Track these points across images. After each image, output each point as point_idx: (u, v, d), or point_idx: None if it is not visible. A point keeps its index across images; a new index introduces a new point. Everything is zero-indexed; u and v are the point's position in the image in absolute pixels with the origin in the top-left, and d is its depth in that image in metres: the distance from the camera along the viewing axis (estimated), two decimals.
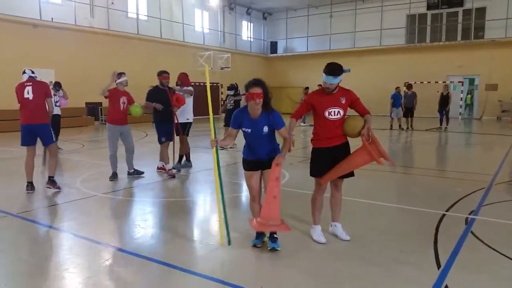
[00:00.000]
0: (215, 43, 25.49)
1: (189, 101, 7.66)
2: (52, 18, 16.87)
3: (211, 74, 23.67)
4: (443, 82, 19.67)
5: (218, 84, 24.76)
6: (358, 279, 3.23)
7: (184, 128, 7.67)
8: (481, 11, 22.58)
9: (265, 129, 3.56)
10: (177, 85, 7.65)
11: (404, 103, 16.12)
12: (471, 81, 23.71)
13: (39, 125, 5.89)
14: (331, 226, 4.18)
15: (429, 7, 24.10)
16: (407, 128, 15.93)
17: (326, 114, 3.83)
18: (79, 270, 3.46)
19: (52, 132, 6.09)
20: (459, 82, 21.92)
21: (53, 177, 6.14)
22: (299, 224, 4.49)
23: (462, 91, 21.78)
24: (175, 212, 5.34)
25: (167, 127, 7.24)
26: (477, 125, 19.34)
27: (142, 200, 5.92)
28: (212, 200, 5.93)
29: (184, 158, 7.94)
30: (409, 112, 16.08)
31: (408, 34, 24.81)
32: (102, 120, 18.60)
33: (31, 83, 5.96)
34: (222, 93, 24.85)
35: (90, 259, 3.70)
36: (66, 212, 5.18)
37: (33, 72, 6.14)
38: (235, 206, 5.57)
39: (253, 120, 3.58)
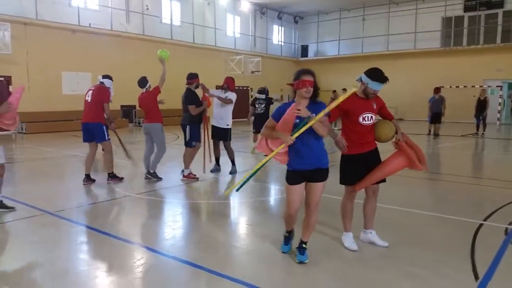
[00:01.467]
0: (246, 47, 25.64)
1: (230, 107, 7.57)
2: (89, 24, 17.47)
3: (242, 78, 23.85)
4: (480, 86, 18.97)
5: (249, 88, 24.88)
6: None
7: (226, 134, 7.59)
8: None
9: (313, 116, 3.30)
10: (222, 88, 7.60)
11: (431, 108, 15.01)
12: (510, 86, 22.76)
13: (92, 124, 6.64)
14: (364, 233, 4.09)
15: (466, 9, 23.34)
16: (434, 134, 14.94)
17: (361, 119, 3.77)
18: (110, 269, 3.54)
19: (105, 131, 6.73)
20: (497, 86, 21.09)
21: (112, 173, 6.88)
22: (327, 229, 4.42)
23: (500, 95, 20.93)
24: (205, 214, 5.38)
25: (199, 129, 7.18)
26: None
27: (173, 201, 6.00)
28: (241, 203, 5.94)
29: (214, 161, 7.83)
30: (436, 118, 14.95)
31: (443, 37, 24.12)
32: (135, 122, 19.08)
33: (93, 88, 6.83)
34: (251, 96, 24.96)
35: (122, 258, 3.77)
36: (100, 212, 5.32)
37: (104, 78, 6.96)
38: (265, 210, 5.56)
39: None
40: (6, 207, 5.09)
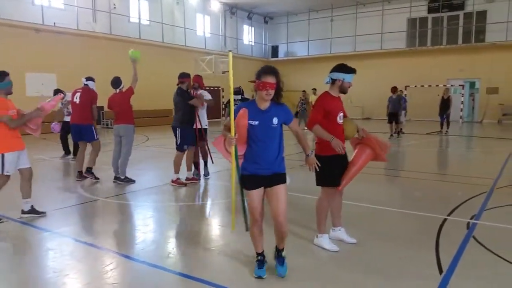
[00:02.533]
0: (217, 47, 25.56)
1: (205, 108, 7.33)
2: (54, 23, 16.95)
3: (212, 78, 23.74)
4: (444, 85, 19.66)
5: (220, 88, 24.79)
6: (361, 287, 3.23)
7: (205, 135, 7.32)
8: (482, 15, 22.60)
9: (275, 120, 3.13)
10: (192, 88, 7.15)
11: (388, 107, 14.68)
12: (472, 85, 23.71)
13: (83, 125, 7.10)
14: (333, 231, 4.16)
15: (430, 11, 24.14)
16: (395, 133, 14.67)
17: (338, 119, 3.84)
18: (79, 275, 3.47)
19: (94, 131, 7.15)
20: (459, 85, 21.91)
21: (91, 168, 7.12)
22: (303, 230, 4.48)
23: (462, 94, 21.78)
24: (177, 216, 5.34)
25: (192, 132, 6.90)
26: (478, 128, 19.31)
27: (143, 204, 5.92)
28: (213, 204, 5.93)
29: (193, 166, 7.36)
30: (392, 118, 14.59)
31: (409, 38, 24.84)
32: (103, 123, 18.66)
33: (81, 90, 7.18)
34: (223, 96, 24.89)
35: (90, 264, 3.70)
36: (67, 217, 5.19)
37: (87, 80, 7.31)
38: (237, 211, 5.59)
39: (261, 111, 3.16)
40: (38, 212, 5.01)
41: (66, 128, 9.20)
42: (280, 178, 3.22)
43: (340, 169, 3.87)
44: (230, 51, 3.33)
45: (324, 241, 3.97)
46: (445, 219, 4.82)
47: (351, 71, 3.84)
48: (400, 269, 3.50)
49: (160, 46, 21.45)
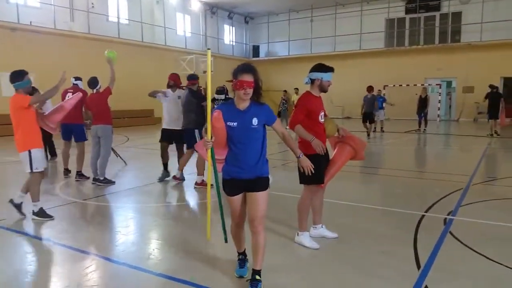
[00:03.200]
0: (197, 46, 25.43)
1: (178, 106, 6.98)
2: (30, 22, 16.57)
3: None
4: (422, 84, 20.05)
5: (201, 88, 24.65)
6: (341, 283, 3.27)
7: (183, 136, 6.89)
8: (457, 16, 23.14)
9: (255, 121, 2.96)
10: (168, 86, 7.00)
11: (363, 107, 14.65)
12: (449, 84, 24.25)
13: (74, 125, 7.23)
14: (314, 229, 4.21)
15: (407, 11, 24.59)
16: (368, 134, 14.51)
17: (320, 118, 3.89)
18: (58, 278, 3.41)
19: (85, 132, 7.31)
20: (437, 84, 22.38)
21: (80, 171, 7.17)
22: (284, 228, 4.51)
23: (439, 93, 22.26)
24: (158, 217, 5.29)
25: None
26: (455, 126, 19.77)
27: (123, 206, 5.85)
28: (196, 204, 5.91)
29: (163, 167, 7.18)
30: (367, 118, 14.52)
31: (387, 38, 25.25)
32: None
33: (72, 90, 7.31)
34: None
35: (69, 267, 3.64)
36: (46, 220, 5.07)
37: (76, 80, 7.57)
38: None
39: (240, 111, 2.99)
40: (49, 216, 4.95)
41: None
42: (262, 183, 3.05)
43: (323, 167, 3.92)
44: (208, 49, 3.22)
45: (305, 239, 4.01)
46: (423, 216, 4.93)
47: (329, 69, 3.89)
48: (379, 264, 3.56)
49: (140, 45, 21.22)
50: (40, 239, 4.35)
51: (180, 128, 6.80)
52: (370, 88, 14.72)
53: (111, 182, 6.85)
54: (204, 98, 6.53)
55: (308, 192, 4.01)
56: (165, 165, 7.15)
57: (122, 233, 4.56)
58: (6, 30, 15.87)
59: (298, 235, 4.06)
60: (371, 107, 14.49)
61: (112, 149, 7.42)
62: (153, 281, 3.34)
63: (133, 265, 3.60)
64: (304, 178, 3.86)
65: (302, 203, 4.05)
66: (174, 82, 6.98)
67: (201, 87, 6.99)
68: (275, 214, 4.84)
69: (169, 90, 7.02)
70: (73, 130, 7.27)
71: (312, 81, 3.91)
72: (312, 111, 3.84)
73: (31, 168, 4.74)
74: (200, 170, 6.57)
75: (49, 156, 9.22)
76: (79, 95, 5.95)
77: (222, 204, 3.34)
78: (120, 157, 7.49)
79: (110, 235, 4.56)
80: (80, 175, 7.18)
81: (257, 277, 3.06)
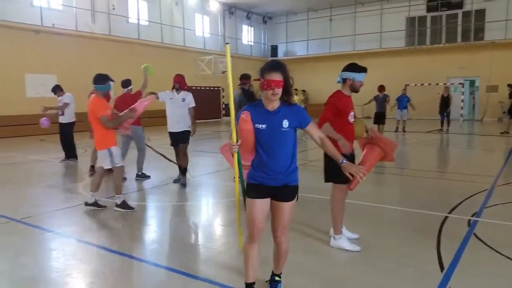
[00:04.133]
0: (216, 47, 25.56)
1: (186, 108, 6.77)
2: (53, 24, 16.95)
3: (212, 78, 23.74)
4: (444, 84, 19.67)
5: (220, 88, 24.80)
6: (361, 284, 3.23)
7: (186, 137, 6.82)
8: (481, 13, 22.59)
9: (285, 123, 2.69)
10: (173, 88, 6.77)
11: (369, 102, 14.17)
12: (472, 83, 23.71)
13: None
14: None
15: (428, 10, 24.13)
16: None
17: (349, 117, 3.86)
18: (82, 275, 3.47)
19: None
20: (459, 83, 21.91)
21: (93, 166, 7.54)
22: (306, 229, 4.49)
23: (463, 92, 21.78)
24: (177, 216, 5.34)
25: None
26: (479, 126, 19.32)
27: (146, 204, 5.92)
28: (214, 203, 5.95)
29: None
30: (379, 118, 13.80)
31: (408, 37, 24.84)
32: None
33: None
34: (223, 97, 24.93)
35: (93, 264, 3.71)
36: (70, 217, 5.18)
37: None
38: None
39: (269, 112, 2.73)
40: (130, 208, 5.28)
41: (63, 130, 9.23)
42: (290, 193, 2.79)
43: None
44: (227, 43, 2.98)
45: (344, 242, 3.89)
46: (446, 217, 4.83)
47: (362, 70, 3.85)
48: (402, 266, 3.51)
49: (159, 46, 21.46)
50: (65, 236, 4.43)
51: (183, 130, 6.70)
52: (381, 87, 14.16)
53: (147, 177, 7.34)
54: (253, 98, 6.73)
55: (339, 191, 3.92)
56: (181, 168, 6.94)
57: (144, 231, 4.63)
58: (30, 33, 16.26)
59: (334, 238, 3.94)
60: (382, 107, 13.86)
61: (148, 146, 7.68)
62: (175, 278, 3.37)
63: (154, 262, 3.64)
64: (330, 176, 3.82)
65: (335, 204, 3.94)
66: (179, 84, 6.70)
67: (174, 85, 6.71)
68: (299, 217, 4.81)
69: (167, 92, 6.82)
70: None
71: (344, 81, 3.87)
72: (342, 110, 3.80)
73: (113, 164, 5.18)
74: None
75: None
76: (152, 96, 6.16)
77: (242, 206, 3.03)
78: (158, 152, 7.68)
79: (132, 233, 4.63)
80: (92, 167, 7.66)
81: (277, 278, 3.00)
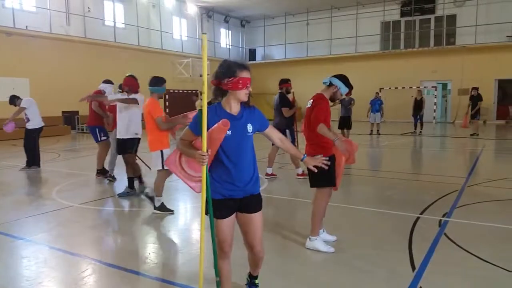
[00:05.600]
0: (194, 50, 25.47)
1: (136, 112, 6.11)
2: (26, 26, 16.56)
3: (190, 81, 23.64)
4: (417, 87, 20.14)
5: (198, 91, 24.69)
6: (335, 284, 3.28)
7: (133, 146, 6.24)
8: (452, 18, 23.28)
9: (250, 128, 2.53)
10: (123, 91, 6.20)
11: (341, 111, 12.95)
12: (444, 86, 24.35)
13: (89, 127, 7.96)
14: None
15: (402, 14, 24.73)
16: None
17: (331, 122, 3.95)
18: (54, 283, 3.40)
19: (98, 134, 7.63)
20: (432, 87, 22.47)
21: (99, 169, 7.73)
22: (283, 231, 4.52)
23: (435, 95, 22.33)
24: (153, 222, 5.30)
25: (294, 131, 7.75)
26: (451, 128, 19.85)
27: (119, 210, 5.84)
28: (194, 208, 5.92)
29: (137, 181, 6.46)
30: (344, 123, 12.84)
31: (382, 41, 25.36)
32: (79, 128, 18.28)
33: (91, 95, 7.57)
34: (201, 100, 24.76)
35: (65, 271, 3.64)
36: (41, 224, 5.07)
37: (103, 82, 7.86)
38: None
39: (234, 117, 2.51)
40: (169, 210, 5.35)
41: (29, 136, 8.81)
42: (257, 203, 2.65)
43: (333, 169, 3.90)
44: (204, 33, 2.49)
45: (319, 243, 3.93)
46: (418, 218, 4.95)
47: (350, 85, 3.95)
48: (375, 266, 3.58)
49: (136, 49, 21.25)
50: (36, 243, 4.33)
51: (131, 136, 6.16)
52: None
53: (114, 179, 7.49)
54: (287, 104, 7.43)
55: (322, 194, 3.95)
56: (134, 178, 6.42)
57: (118, 237, 4.56)
58: (1, 35, 15.85)
59: (310, 240, 3.98)
60: (347, 111, 12.82)
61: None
62: (149, 285, 3.34)
63: (129, 269, 3.60)
64: (317, 181, 3.85)
65: (318, 208, 3.96)
66: (128, 87, 6.09)
67: (124, 88, 6.16)
68: (276, 218, 4.85)
69: (119, 94, 6.42)
70: (90, 132, 7.83)
71: (330, 85, 3.94)
72: (328, 115, 3.89)
73: (163, 166, 5.19)
74: (296, 163, 7.36)
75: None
76: (192, 113, 6.02)
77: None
78: (144, 162, 7.25)
79: (105, 239, 4.57)
80: (98, 172, 7.79)
81: (256, 281, 2.99)
